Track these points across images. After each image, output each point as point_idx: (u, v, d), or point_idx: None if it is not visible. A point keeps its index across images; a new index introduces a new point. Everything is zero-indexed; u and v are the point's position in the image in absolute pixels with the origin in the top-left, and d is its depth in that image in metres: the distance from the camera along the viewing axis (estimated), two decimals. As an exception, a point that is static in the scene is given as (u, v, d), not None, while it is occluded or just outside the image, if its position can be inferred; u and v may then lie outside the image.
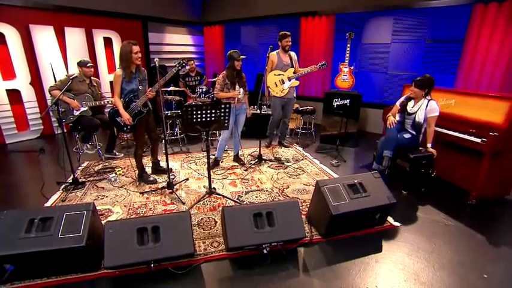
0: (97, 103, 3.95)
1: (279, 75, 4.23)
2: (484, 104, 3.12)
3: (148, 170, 3.69)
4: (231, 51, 3.54)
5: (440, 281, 2.04)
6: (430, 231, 2.61)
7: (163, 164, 3.65)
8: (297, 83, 4.34)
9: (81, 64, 3.87)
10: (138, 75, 3.09)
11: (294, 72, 4.26)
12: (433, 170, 3.31)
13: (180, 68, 3.08)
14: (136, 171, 3.48)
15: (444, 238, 2.52)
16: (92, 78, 4.07)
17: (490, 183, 3.04)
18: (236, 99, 3.61)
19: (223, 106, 2.77)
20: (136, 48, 2.91)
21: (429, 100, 3.18)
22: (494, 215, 2.96)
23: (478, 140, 2.93)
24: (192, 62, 5.77)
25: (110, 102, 4.12)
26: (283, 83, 4.25)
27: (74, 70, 4.09)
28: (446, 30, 4.75)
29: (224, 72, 3.63)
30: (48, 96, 4.84)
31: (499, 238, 2.56)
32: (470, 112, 3.23)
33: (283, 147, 4.80)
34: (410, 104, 3.36)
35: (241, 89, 3.65)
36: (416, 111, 3.26)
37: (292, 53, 4.31)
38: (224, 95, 3.60)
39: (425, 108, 3.17)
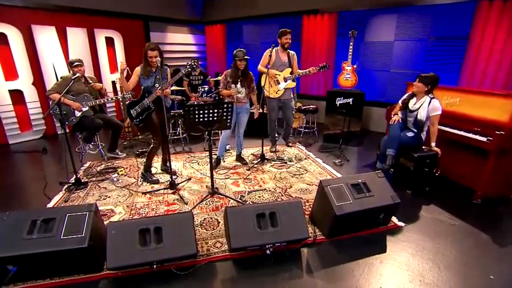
0: (97, 102, 3.93)
1: (275, 75, 4.04)
2: (489, 102, 3.08)
3: (154, 170, 3.68)
4: (237, 50, 3.52)
5: (446, 281, 2.01)
6: (434, 231, 2.58)
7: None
8: (294, 84, 4.16)
9: (70, 66, 3.80)
10: (157, 73, 3.16)
11: (291, 73, 4.06)
12: (437, 169, 3.28)
13: (190, 69, 3.14)
14: (139, 171, 3.47)
15: (449, 238, 2.49)
16: (86, 75, 4.01)
17: (495, 182, 3.00)
18: (235, 98, 3.60)
19: (225, 106, 2.75)
20: (151, 53, 3.03)
21: (432, 98, 3.14)
22: (499, 214, 2.92)
23: (484, 139, 2.90)
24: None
25: (111, 99, 4.11)
26: (279, 83, 4.06)
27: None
28: (450, 27, 4.70)
29: (228, 70, 3.63)
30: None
31: (504, 238, 2.53)
32: (475, 110, 3.20)
33: (286, 147, 4.78)
34: (412, 101, 3.32)
35: (243, 89, 3.63)
36: (418, 109, 3.22)
37: (292, 53, 4.09)
38: (225, 92, 3.67)
39: (428, 107, 3.14)
